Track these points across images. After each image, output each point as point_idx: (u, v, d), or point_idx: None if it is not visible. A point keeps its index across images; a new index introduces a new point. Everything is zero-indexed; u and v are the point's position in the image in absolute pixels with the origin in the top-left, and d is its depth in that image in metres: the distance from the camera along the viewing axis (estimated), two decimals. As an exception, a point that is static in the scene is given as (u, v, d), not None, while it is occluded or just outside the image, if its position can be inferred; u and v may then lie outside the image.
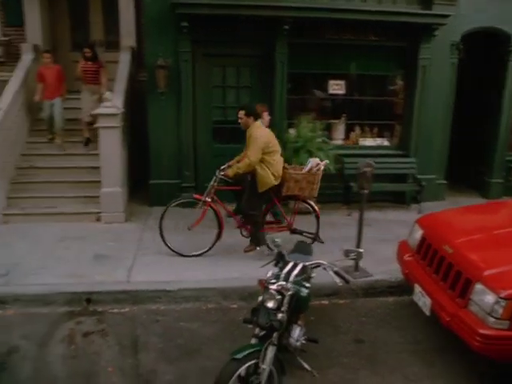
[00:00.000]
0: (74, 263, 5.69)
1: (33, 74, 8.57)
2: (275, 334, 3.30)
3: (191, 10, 7.01)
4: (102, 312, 4.90)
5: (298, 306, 3.54)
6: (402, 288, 5.15)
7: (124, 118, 7.46)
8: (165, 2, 7.16)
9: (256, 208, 5.89)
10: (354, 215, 5.97)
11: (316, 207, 6.18)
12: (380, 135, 8.63)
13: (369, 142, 8.57)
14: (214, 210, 6.01)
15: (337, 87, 8.13)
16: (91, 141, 8.05)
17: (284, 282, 3.41)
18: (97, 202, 7.10)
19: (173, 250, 6.04)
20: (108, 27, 9.91)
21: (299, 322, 3.81)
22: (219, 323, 4.72)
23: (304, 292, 3.57)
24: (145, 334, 4.51)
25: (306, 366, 3.84)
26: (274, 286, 3.37)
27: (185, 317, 4.84)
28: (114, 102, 7.03)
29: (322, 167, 6.04)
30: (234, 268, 5.58)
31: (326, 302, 5.19)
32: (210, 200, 5.97)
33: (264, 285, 3.45)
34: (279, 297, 3.34)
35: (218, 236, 6.07)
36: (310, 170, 5.97)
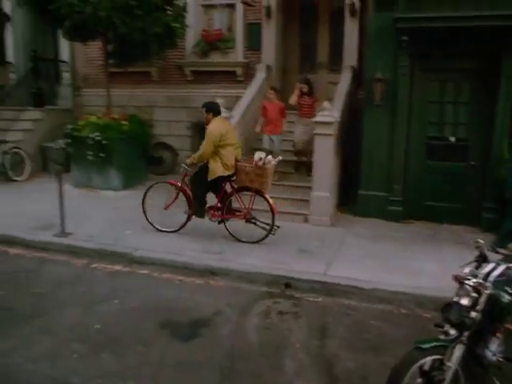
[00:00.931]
0: (279, 253, 6.19)
1: (263, 90, 9.60)
2: (466, 333, 3.13)
3: (412, 24, 7.08)
4: (297, 297, 5.22)
5: (496, 313, 3.28)
6: None
7: (339, 128, 7.82)
8: (387, 18, 7.37)
9: (201, 190, 6.64)
10: None
11: (270, 200, 6.48)
12: None
13: None
14: (184, 194, 6.77)
15: None
16: (304, 166, 8.44)
17: (482, 281, 3.22)
18: (307, 205, 7.58)
19: (151, 224, 7.00)
20: (332, 49, 10.55)
21: (498, 335, 3.50)
22: (409, 328, 4.60)
23: (505, 298, 3.28)
24: (334, 324, 4.67)
25: (501, 386, 3.51)
26: (470, 283, 3.21)
27: (375, 316, 4.85)
28: (331, 112, 7.45)
29: (274, 163, 6.45)
30: (433, 277, 5.38)
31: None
32: (180, 185, 6.80)
33: (459, 280, 3.30)
34: (475, 294, 3.16)
35: (189, 217, 6.79)
36: (256, 163, 6.33)
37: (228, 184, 6.67)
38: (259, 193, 6.53)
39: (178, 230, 6.88)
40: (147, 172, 10.62)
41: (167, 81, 11.38)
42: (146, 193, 7.06)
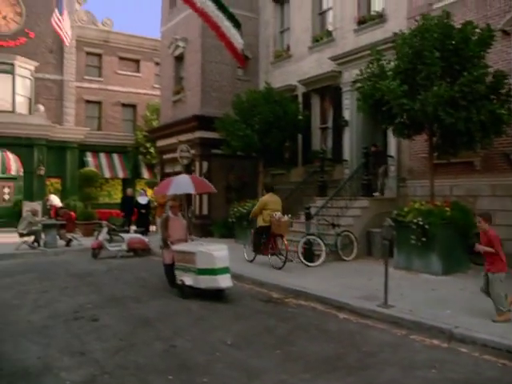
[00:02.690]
0: None
1: None
2: None
3: None
4: None
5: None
6: None
7: None
8: None
9: (257, 235, 11.44)
10: None
11: (285, 241, 10.67)
12: None
13: None
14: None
15: None
16: None
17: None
18: None
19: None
20: None
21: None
22: None
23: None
24: None
25: None
26: None
27: None
28: None
29: (286, 218, 10.85)
30: None
31: None
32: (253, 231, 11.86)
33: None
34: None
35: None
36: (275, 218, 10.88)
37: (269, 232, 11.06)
38: (281, 236, 10.82)
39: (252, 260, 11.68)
40: (468, 260, 10.45)
41: (491, 169, 11.23)
42: (247, 240, 12.39)
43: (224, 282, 8.28)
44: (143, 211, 17.69)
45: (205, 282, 8.29)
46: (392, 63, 10.30)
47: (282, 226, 10.78)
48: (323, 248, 11.14)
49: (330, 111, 16.34)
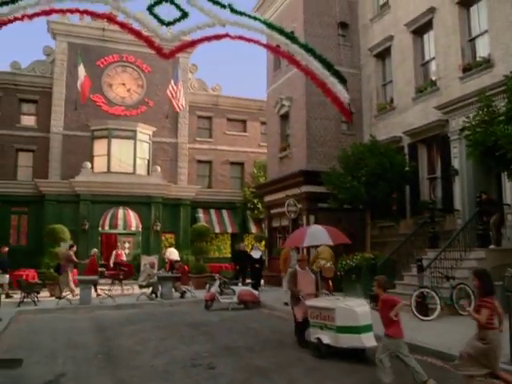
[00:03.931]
0: None
1: None
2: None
3: None
4: None
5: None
6: None
7: None
8: None
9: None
10: None
11: (330, 283, 13.56)
12: None
13: None
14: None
15: None
16: None
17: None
18: None
19: None
20: None
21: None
22: None
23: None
24: None
25: None
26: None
27: None
28: None
29: (328, 265, 13.76)
30: None
31: None
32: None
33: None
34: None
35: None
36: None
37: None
38: (329, 279, 13.64)
39: None
40: None
41: None
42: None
43: (368, 341, 7.65)
44: (257, 265, 18.14)
45: (346, 341, 7.68)
46: (503, 108, 10.01)
47: (326, 270, 13.57)
48: (438, 301, 10.68)
49: (437, 161, 16.00)
